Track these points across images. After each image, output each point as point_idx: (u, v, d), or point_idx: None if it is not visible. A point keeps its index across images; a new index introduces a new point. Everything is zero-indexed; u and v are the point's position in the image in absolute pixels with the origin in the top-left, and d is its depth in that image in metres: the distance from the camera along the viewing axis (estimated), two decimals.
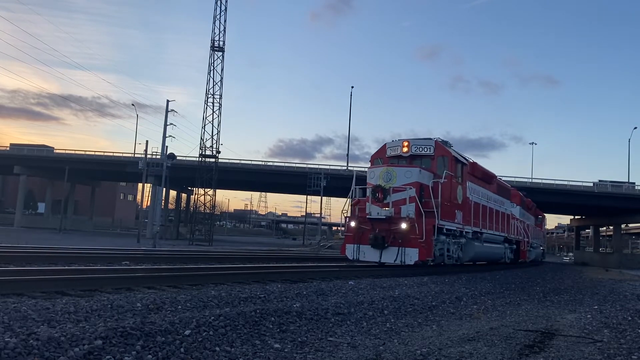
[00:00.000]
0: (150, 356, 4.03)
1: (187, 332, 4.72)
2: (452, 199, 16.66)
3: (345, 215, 16.56)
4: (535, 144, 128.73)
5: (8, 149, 63.86)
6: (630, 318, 8.35)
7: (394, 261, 14.85)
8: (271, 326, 5.53)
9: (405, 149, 17.08)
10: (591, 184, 57.31)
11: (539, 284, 15.99)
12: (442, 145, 17.21)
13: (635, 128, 63.10)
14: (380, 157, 17.85)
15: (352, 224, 15.84)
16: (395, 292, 9.42)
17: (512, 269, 23.38)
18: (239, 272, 10.85)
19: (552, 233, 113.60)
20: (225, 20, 46.18)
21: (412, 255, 14.61)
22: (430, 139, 17.33)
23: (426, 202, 15.03)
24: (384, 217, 15.17)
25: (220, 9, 45.94)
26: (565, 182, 56.35)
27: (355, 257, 15.60)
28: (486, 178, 22.17)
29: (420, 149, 16.99)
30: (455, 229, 16.81)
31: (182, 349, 4.29)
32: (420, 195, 15.25)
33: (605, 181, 59.02)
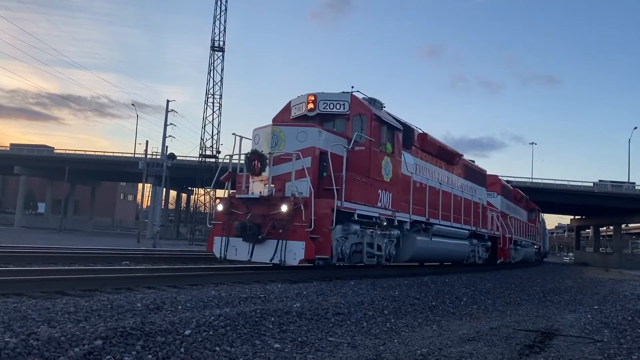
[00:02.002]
0: (150, 356, 4.03)
1: (187, 332, 4.72)
2: (373, 174, 12.38)
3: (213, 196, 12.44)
4: (536, 144, 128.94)
5: (8, 149, 63.95)
6: (630, 318, 8.35)
7: (271, 260, 10.57)
8: (271, 326, 5.53)
9: (310, 106, 12.76)
10: (591, 184, 57.41)
11: (539, 284, 15.99)
12: (360, 102, 12.87)
13: (636, 128, 63.22)
14: (284, 119, 13.30)
15: (220, 207, 11.64)
16: (396, 292, 9.42)
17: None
18: (239, 272, 10.85)
19: (552, 233, 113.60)
20: (225, 20, 46.22)
21: (296, 252, 10.40)
22: (346, 92, 12.96)
23: (330, 177, 10.83)
24: (259, 196, 10.99)
25: (220, 9, 45.99)
26: (565, 182, 56.46)
27: (222, 255, 11.29)
28: (445, 156, 17.93)
29: (331, 106, 12.72)
30: (378, 215, 12.52)
31: (182, 349, 4.29)
32: (320, 167, 11.34)
33: (605, 181, 59.10)
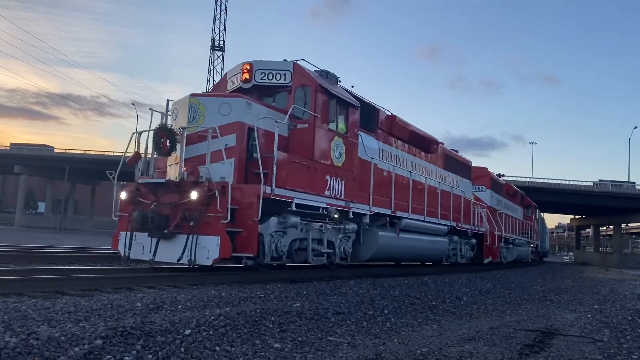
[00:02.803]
0: (150, 356, 4.03)
1: (187, 331, 4.72)
2: (318, 156, 10.38)
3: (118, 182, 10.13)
4: (536, 144, 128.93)
5: (8, 148, 63.94)
6: (630, 318, 8.35)
7: (179, 260, 8.57)
8: (271, 326, 5.53)
9: (245, 76, 10.69)
10: (591, 184, 57.44)
11: (539, 284, 16.00)
12: (304, 71, 10.74)
13: (636, 128, 63.25)
14: (220, 92, 11.46)
15: (124, 195, 9.82)
16: (396, 292, 9.43)
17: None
18: (239, 272, 10.85)
19: (553, 233, 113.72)
20: (225, 20, 46.21)
21: (209, 249, 8.49)
22: (288, 61, 10.91)
23: (260, 159, 8.93)
24: (165, 181, 9.21)
25: (220, 9, 46.00)
26: (565, 182, 56.49)
27: (126, 254, 9.28)
28: (419, 142, 15.86)
29: (271, 77, 10.67)
30: (325, 206, 10.53)
31: (182, 349, 4.29)
32: (248, 147, 9.49)
33: (605, 181, 59.14)
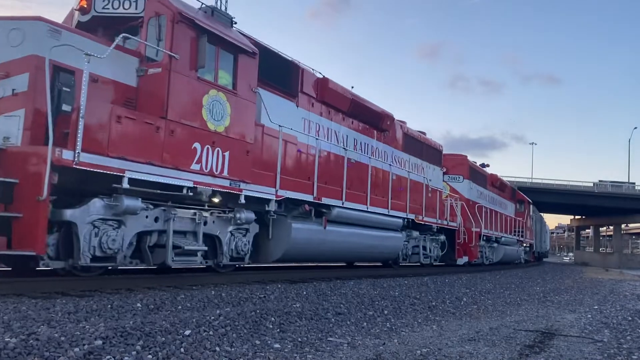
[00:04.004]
0: (150, 356, 4.03)
1: (187, 332, 4.72)
2: (176, 114, 7.66)
3: None
4: (536, 144, 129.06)
5: None
6: (630, 318, 8.36)
7: None
8: (271, 326, 5.53)
9: (82, 4, 8.12)
10: (591, 184, 57.56)
11: (539, 284, 16.00)
12: None
13: (636, 128, 63.41)
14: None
15: None
16: (396, 292, 9.43)
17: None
18: (239, 272, 10.85)
19: (553, 233, 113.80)
20: None
21: None
22: None
23: (53, 112, 6.36)
24: None
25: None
26: (565, 182, 56.59)
27: None
28: (362, 115, 12.92)
29: (116, 5, 8.04)
30: (192, 185, 7.86)
31: (182, 349, 4.29)
32: (56, 94, 6.63)
33: (605, 181, 59.25)
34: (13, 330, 4.23)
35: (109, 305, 5.67)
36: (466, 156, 21.82)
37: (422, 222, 15.54)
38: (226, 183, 8.56)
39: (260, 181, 9.32)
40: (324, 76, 11.73)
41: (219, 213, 8.78)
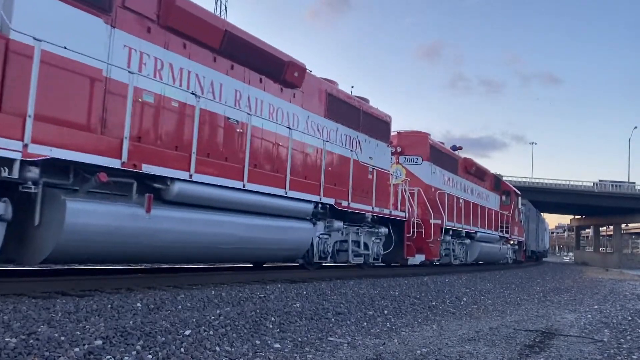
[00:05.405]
0: (150, 356, 4.03)
1: (187, 332, 4.73)
2: None
3: None
4: (536, 144, 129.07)
5: None
6: (630, 318, 8.36)
7: None
8: (271, 326, 5.53)
9: None
10: (591, 184, 57.63)
11: (539, 284, 16.00)
12: None
13: (636, 127, 63.40)
14: None
15: None
16: (396, 292, 9.44)
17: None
18: (239, 272, 10.85)
19: (553, 233, 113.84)
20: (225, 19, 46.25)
21: None
22: None
23: None
24: None
25: (220, 9, 46.03)
26: (565, 182, 56.61)
27: None
28: (240, 54, 9.18)
29: None
30: None
31: (182, 349, 4.29)
32: None
33: (605, 181, 59.29)
34: (13, 330, 4.23)
35: (109, 305, 5.67)
36: (428, 134, 18.17)
37: (348, 210, 11.67)
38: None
39: (105, 150, 6.41)
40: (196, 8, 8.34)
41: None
